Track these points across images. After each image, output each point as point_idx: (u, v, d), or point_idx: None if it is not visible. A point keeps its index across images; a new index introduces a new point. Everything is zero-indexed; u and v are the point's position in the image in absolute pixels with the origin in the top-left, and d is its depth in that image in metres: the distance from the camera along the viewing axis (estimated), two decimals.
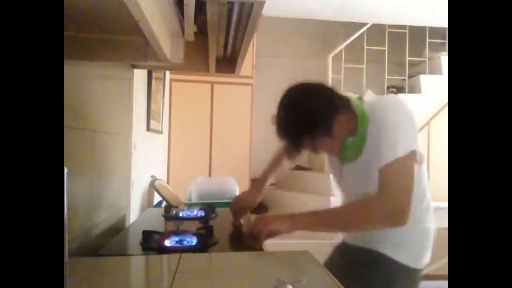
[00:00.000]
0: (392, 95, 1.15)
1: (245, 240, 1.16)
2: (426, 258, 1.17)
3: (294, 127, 1.06)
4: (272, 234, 1.04)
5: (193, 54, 1.63)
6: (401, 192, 0.98)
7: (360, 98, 1.12)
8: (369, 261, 1.15)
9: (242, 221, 1.43)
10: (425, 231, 1.17)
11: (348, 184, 1.21)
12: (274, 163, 1.50)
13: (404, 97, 1.15)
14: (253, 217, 1.24)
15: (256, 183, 1.52)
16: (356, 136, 1.08)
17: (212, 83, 3.79)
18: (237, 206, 1.43)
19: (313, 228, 1.09)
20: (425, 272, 1.19)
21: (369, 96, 1.13)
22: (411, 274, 1.14)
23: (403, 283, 1.14)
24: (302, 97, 1.06)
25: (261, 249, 1.08)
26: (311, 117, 1.04)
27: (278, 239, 1.05)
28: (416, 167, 1.03)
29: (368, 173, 1.05)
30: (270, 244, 1.14)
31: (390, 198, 0.98)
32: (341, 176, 1.21)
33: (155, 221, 1.55)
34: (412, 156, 0.99)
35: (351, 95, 1.15)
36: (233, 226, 1.40)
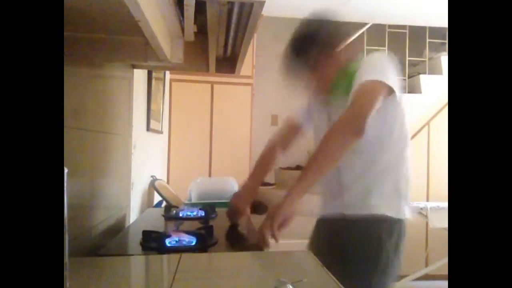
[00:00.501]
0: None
1: (254, 240, 1.15)
2: (405, 207, 1.19)
3: (300, 48, 1.22)
4: (284, 224, 1.05)
5: (193, 54, 1.63)
6: (361, 107, 1.05)
7: (361, 52, 1.37)
8: (345, 229, 1.18)
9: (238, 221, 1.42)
10: (400, 177, 1.19)
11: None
12: (265, 157, 1.49)
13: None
14: (255, 217, 1.24)
15: (251, 179, 1.50)
16: (347, 79, 1.15)
17: (212, 83, 3.79)
18: (233, 211, 1.42)
19: (312, 184, 1.10)
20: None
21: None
22: (391, 225, 1.16)
23: (384, 236, 1.15)
24: (318, 25, 1.22)
25: (262, 248, 1.09)
26: (322, 38, 1.20)
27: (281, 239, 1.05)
28: (395, 109, 1.14)
29: None
30: (270, 244, 1.14)
31: (350, 112, 1.06)
32: (329, 121, 1.25)
33: (155, 221, 1.55)
34: (383, 84, 1.08)
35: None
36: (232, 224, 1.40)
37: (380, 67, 1.13)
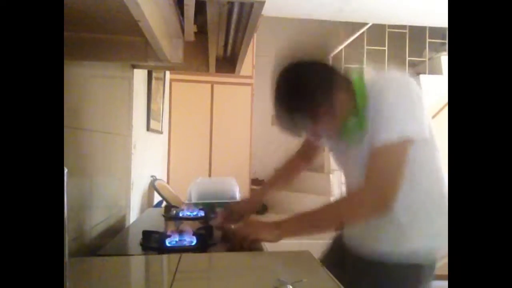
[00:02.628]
0: (396, 71, 1.04)
1: (224, 237, 1.17)
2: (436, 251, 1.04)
3: (295, 104, 0.99)
4: (257, 242, 1.04)
5: (193, 54, 1.63)
6: (386, 181, 0.93)
7: (361, 75, 1.03)
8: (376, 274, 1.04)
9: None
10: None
11: (352, 166, 1.10)
12: (286, 169, 1.42)
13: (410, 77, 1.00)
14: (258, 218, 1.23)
15: (261, 189, 1.48)
16: (357, 116, 0.99)
17: (212, 83, 3.79)
18: (233, 212, 1.36)
19: (300, 234, 1.04)
20: None
21: (369, 74, 1.05)
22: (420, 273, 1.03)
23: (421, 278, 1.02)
24: (302, 74, 1.00)
25: (261, 248, 1.08)
26: (313, 93, 0.97)
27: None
28: (421, 153, 0.96)
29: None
30: (270, 244, 1.14)
31: (374, 189, 0.94)
32: (346, 158, 1.12)
33: (155, 221, 1.55)
34: (405, 144, 0.92)
35: (353, 70, 1.07)
36: (216, 228, 1.28)
37: (398, 111, 0.92)
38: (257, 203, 1.44)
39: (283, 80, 1.02)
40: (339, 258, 1.16)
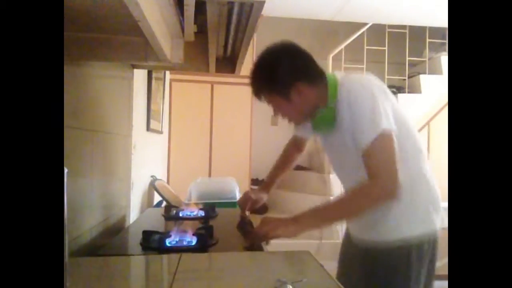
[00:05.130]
0: (358, 74, 1.19)
1: (246, 237, 1.18)
2: (435, 218, 1.15)
3: (258, 81, 1.14)
4: (276, 238, 1.07)
5: (193, 54, 1.63)
6: (386, 171, 1.03)
7: (334, 74, 1.16)
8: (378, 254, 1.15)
9: (248, 213, 1.49)
10: (424, 190, 1.16)
11: (331, 153, 1.27)
12: (282, 161, 1.55)
13: (372, 77, 1.14)
14: (257, 217, 1.24)
15: (264, 184, 1.57)
16: (326, 108, 1.12)
17: (212, 83, 3.78)
18: (244, 199, 1.50)
19: (316, 227, 1.17)
20: None
21: (340, 74, 1.18)
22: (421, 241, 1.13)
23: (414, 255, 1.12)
24: (275, 58, 1.12)
25: (260, 247, 1.08)
26: (272, 78, 1.10)
27: (278, 239, 1.05)
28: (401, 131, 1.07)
29: (345, 146, 1.11)
30: (270, 244, 1.14)
31: (379, 182, 1.04)
32: (325, 144, 1.26)
33: (155, 221, 1.55)
34: (384, 135, 1.03)
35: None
36: (240, 217, 1.44)
37: (370, 108, 1.04)
38: (263, 194, 1.53)
39: (261, 57, 1.15)
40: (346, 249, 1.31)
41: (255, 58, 1.18)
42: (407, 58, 4.61)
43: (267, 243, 1.09)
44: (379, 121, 1.03)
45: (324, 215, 1.11)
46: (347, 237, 1.33)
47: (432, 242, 1.14)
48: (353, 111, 1.06)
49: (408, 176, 1.10)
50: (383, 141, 1.03)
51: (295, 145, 1.51)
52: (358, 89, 1.08)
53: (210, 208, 1.63)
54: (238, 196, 2.22)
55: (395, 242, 1.13)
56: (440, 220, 1.17)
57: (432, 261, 1.15)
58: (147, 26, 0.77)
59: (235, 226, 1.31)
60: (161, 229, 1.34)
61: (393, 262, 1.13)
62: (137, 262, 1.03)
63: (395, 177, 1.02)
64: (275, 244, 1.12)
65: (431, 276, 1.16)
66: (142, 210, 1.97)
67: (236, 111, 3.85)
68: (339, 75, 1.16)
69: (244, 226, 1.29)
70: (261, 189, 1.54)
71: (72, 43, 0.95)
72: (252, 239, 1.12)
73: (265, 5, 1.05)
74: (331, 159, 1.30)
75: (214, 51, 1.55)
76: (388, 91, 1.12)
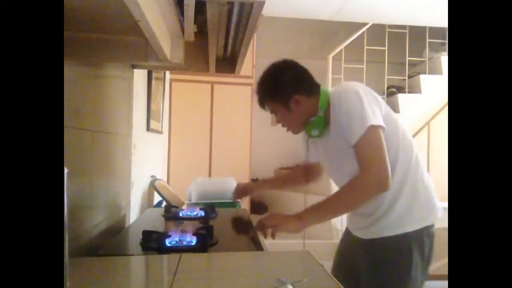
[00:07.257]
0: (347, 82, 1.31)
1: (246, 227, 1.25)
2: (433, 211, 1.23)
3: (262, 92, 1.28)
4: (283, 231, 1.13)
5: (193, 54, 1.63)
6: (376, 163, 1.12)
7: (326, 87, 1.29)
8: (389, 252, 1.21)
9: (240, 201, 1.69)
10: (418, 185, 1.24)
11: (326, 158, 1.35)
12: (283, 178, 1.79)
13: (361, 85, 1.24)
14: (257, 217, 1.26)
15: (258, 182, 1.76)
16: (316, 117, 1.24)
17: (212, 83, 3.79)
18: (240, 186, 1.69)
19: (319, 222, 1.22)
20: None
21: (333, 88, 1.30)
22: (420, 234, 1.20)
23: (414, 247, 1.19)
24: (278, 72, 1.27)
25: (261, 247, 1.09)
26: (275, 88, 1.25)
27: (279, 239, 1.06)
28: (392, 129, 1.17)
29: (338, 149, 1.21)
30: (270, 244, 1.15)
31: (371, 171, 1.13)
32: (319, 150, 1.35)
33: (155, 221, 1.55)
34: (371, 130, 1.12)
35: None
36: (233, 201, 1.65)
37: (358, 112, 1.13)
38: (255, 186, 1.72)
39: (266, 71, 1.29)
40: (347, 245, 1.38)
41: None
42: (407, 58, 4.60)
43: (273, 237, 1.13)
44: (367, 117, 1.12)
45: (323, 210, 1.19)
46: (348, 234, 1.38)
47: (431, 234, 1.22)
48: (343, 112, 1.15)
49: (406, 176, 1.20)
50: (372, 134, 1.12)
51: (305, 174, 1.57)
52: (346, 93, 1.18)
53: (210, 208, 1.63)
54: None
55: (397, 236, 1.20)
56: (436, 212, 1.24)
57: (430, 250, 1.22)
58: (147, 26, 0.77)
59: (230, 221, 1.34)
60: (161, 229, 1.34)
61: (396, 246, 1.20)
62: (137, 262, 1.03)
63: (385, 167, 1.11)
64: (276, 244, 1.12)
65: (428, 265, 1.23)
66: (142, 210, 1.97)
67: (236, 111, 3.85)
68: (333, 88, 1.27)
69: (241, 219, 1.33)
70: (252, 183, 1.74)
71: (72, 43, 0.95)
72: (260, 227, 1.16)
73: (265, 5, 1.05)
74: (325, 164, 1.38)
75: (214, 51, 1.55)
76: (377, 95, 1.22)
